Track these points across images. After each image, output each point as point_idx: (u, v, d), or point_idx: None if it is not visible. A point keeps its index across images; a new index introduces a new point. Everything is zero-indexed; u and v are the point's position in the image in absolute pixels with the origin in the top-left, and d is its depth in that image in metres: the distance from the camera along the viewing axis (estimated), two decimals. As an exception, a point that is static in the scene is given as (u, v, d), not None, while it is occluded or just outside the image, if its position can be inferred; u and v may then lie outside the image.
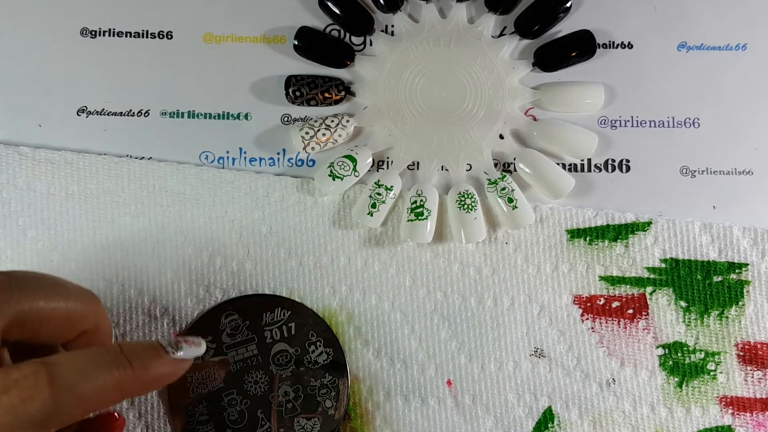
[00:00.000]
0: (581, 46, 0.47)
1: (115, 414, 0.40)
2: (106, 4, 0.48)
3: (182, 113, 0.47)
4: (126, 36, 0.48)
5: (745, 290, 0.45)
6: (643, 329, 0.45)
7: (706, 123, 0.47)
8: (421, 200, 0.45)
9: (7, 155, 0.46)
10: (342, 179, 0.45)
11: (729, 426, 0.45)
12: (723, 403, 0.45)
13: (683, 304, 0.45)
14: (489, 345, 0.45)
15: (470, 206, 0.45)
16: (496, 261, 0.46)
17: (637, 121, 0.47)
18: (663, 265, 0.46)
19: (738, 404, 0.45)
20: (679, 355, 0.45)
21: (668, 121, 0.47)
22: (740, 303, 0.45)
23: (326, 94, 0.46)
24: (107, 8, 0.48)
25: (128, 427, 0.45)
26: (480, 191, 0.46)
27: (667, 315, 0.45)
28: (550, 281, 0.46)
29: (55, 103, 0.47)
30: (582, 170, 0.47)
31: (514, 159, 0.46)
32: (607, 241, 0.46)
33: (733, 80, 0.48)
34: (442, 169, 0.47)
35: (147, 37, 0.48)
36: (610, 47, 0.48)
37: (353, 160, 0.45)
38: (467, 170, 0.47)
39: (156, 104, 0.47)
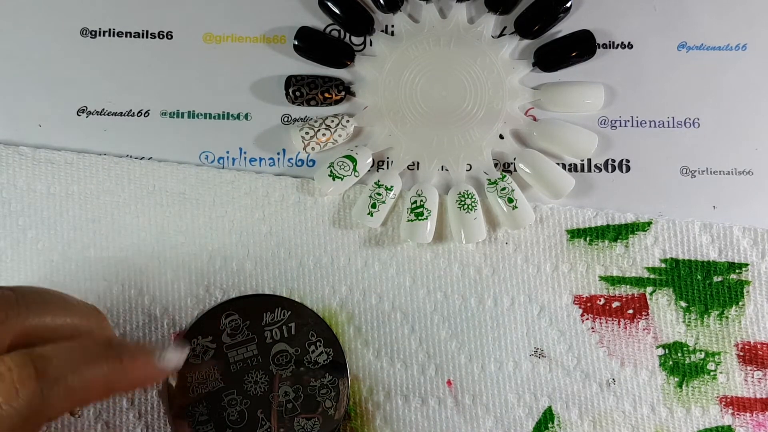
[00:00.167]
0: (581, 46, 0.47)
1: None
2: (106, 4, 0.48)
3: (182, 113, 0.47)
4: (126, 36, 0.48)
5: (745, 290, 0.45)
6: (643, 329, 0.45)
7: (706, 123, 0.47)
8: (421, 200, 0.45)
9: (7, 155, 0.46)
10: (342, 179, 0.45)
11: (729, 426, 0.45)
12: (723, 403, 0.45)
13: (683, 304, 0.45)
14: (489, 345, 0.45)
15: (470, 206, 0.45)
16: (496, 261, 0.46)
17: (637, 121, 0.47)
18: (663, 265, 0.46)
19: (738, 404, 0.45)
20: (679, 355, 0.45)
21: (668, 121, 0.47)
22: (740, 303, 0.45)
23: (326, 94, 0.46)
24: (107, 8, 0.48)
25: (128, 427, 0.45)
26: (480, 191, 0.46)
27: (667, 315, 0.45)
28: (550, 281, 0.46)
29: (55, 103, 0.47)
30: (582, 170, 0.47)
31: (514, 159, 0.46)
32: (607, 241, 0.46)
33: (733, 80, 0.48)
34: (442, 169, 0.47)
35: (147, 37, 0.48)
36: (610, 47, 0.48)
37: (353, 160, 0.45)
38: (467, 170, 0.47)
39: (156, 104, 0.47)
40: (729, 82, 0.47)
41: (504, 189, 0.45)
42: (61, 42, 0.47)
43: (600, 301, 0.45)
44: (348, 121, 0.46)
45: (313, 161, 0.47)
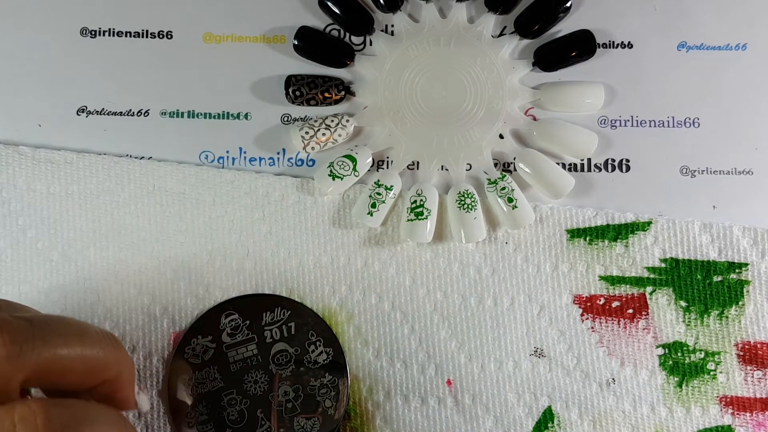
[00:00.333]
0: (581, 46, 0.47)
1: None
2: (106, 4, 0.48)
3: (182, 113, 0.47)
4: (126, 36, 0.48)
5: (745, 290, 0.45)
6: (643, 329, 0.45)
7: (706, 123, 0.47)
8: (421, 200, 0.45)
9: (7, 155, 0.46)
10: (342, 179, 0.45)
11: (729, 426, 0.45)
12: (723, 402, 0.45)
13: (683, 303, 0.45)
14: (489, 345, 0.45)
15: (470, 206, 0.45)
16: (496, 261, 0.46)
17: (637, 120, 0.47)
18: (663, 265, 0.46)
19: (738, 404, 0.45)
20: (679, 354, 0.45)
21: (668, 121, 0.47)
22: (740, 303, 0.45)
23: (326, 94, 0.46)
24: (107, 8, 0.48)
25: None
26: (480, 191, 0.46)
27: (667, 315, 0.45)
28: (550, 281, 0.46)
29: (55, 103, 0.47)
30: (582, 170, 0.47)
31: (514, 159, 0.46)
32: (607, 241, 0.46)
33: (733, 80, 0.47)
34: (442, 169, 0.47)
35: (147, 37, 0.48)
36: (610, 47, 0.48)
37: (353, 159, 0.45)
38: (467, 170, 0.47)
39: (156, 104, 0.47)
40: (729, 82, 0.47)
41: (504, 189, 0.45)
42: (61, 42, 0.47)
43: (600, 300, 0.45)
44: (348, 121, 0.46)
45: (313, 161, 0.47)
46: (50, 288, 0.45)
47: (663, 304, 0.45)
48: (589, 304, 0.45)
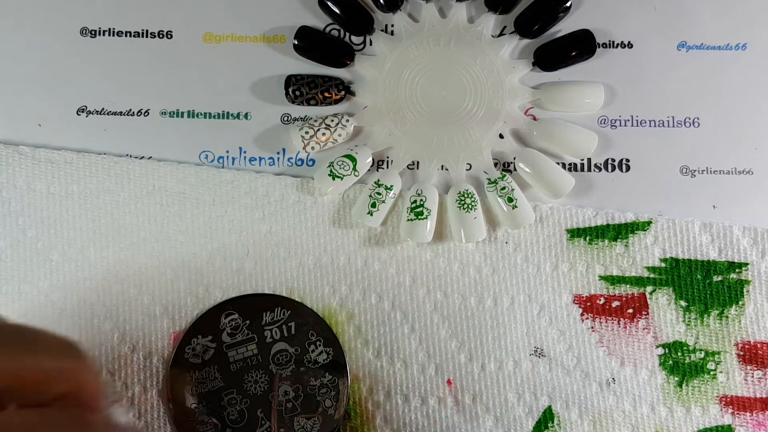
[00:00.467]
0: (581, 46, 0.47)
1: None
2: (106, 3, 0.48)
3: (182, 113, 0.47)
4: (126, 36, 0.48)
5: (745, 290, 0.45)
6: (643, 329, 0.45)
7: (706, 123, 0.47)
8: (421, 200, 0.45)
9: (7, 155, 0.46)
10: (342, 179, 0.45)
11: (729, 425, 0.45)
12: (723, 402, 0.45)
13: (683, 303, 0.45)
14: (489, 344, 0.45)
15: (470, 206, 0.45)
16: (496, 260, 0.46)
17: (637, 120, 0.47)
18: (663, 265, 0.46)
19: (738, 404, 0.45)
20: (679, 354, 0.45)
21: (668, 121, 0.47)
22: (740, 302, 0.45)
23: (326, 94, 0.46)
24: (107, 8, 0.48)
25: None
26: (480, 191, 0.46)
27: (667, 314, 0.45)
28: (549, 281, 0.46)
29: (55, 102, 0.47)
30: (582, 170, 0.47)
31: (514, 158, 0.46)
32: (607, 241, 0.46)
33: (733, 80, 0.48)
34: (442, 169, 0.47)
35: (147, 36, 0.48)
36: (610, 47, 0.48)
37: (353, 159, 0.45)
38: (467, 170, 0.47)
39: (156, 104, 0.47)
40: (729, 82, 0.47)
41: (504, 188, 0.45)
42: (61, 42, 0.47)
43: (600, 300, 0.45)
44: (348, 121, 0.46)
45: (313, 161, 0.47)
46: (50, 288, 0.45)
47: (663, 304, 0.45)
48: (589, 303, 0.45)
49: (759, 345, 0.45)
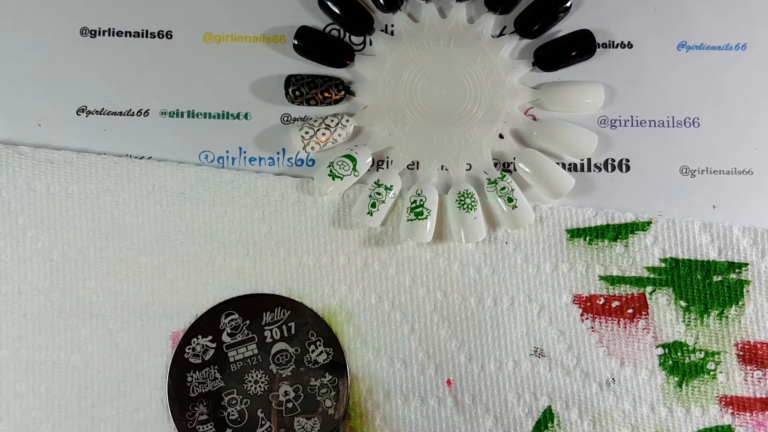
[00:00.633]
0: (581, 46, 0.47)
1: None
2: (106, 3, 0.48)
3: (182, 113, 0.47)
4: (126, 36, 0.48)
5: (744, 290, 0.45)
6: (643, 329, 0.45)
7: (706, 123, 0.47)
8: (421, 200, 0.45)
9: (7, 155, 0.46)
10: (342, 179, 0.45)
11: (729, 426, 0.45)
12: (723, 402, 0.45)
13: (683, 303, 0.45)
14: (489, 344, 0.45)
15: (470, 206, 0.45)
16: (495, 261, 0.46)
17: (637, 120, 0.47)
18: (663, 265, 0.46)
19: (738, 404, 0.45)
20: (679, 354, 0.45)
21: (668, 121, 0.47)
22: (740, 303, 0.45)
23: (326, 94, 0.46)
24: (107, 8, 0.48)
25: (128, 427, 0.45)
26: (480, 191, 0.46)
27: (666, 315, 0.45)
28: (549, 281, 0.46)
29: (55, 103, 0.47)
30: (582, 170, 0.47)
31: (514, 158, 0.46)
32: (606, 241, 0.46)
33: (733, 80, 0.47)
34: (442, 169, 0.47)
35: (147, 36, 0.48)
36: (609, 47, 0.48)
37: (353, 159, 0.45)
38: (467, 170, 0.47)
39: (156, 104, 0.47)
40: (729, 82, 0.47)
41: (504, 188, 0.45)
42: (61, 42, 0.47)
43: (600, 300, 0.45)
44: (348, 121, 0.46)
45: (313, 161, 0.47)
46: (50, 288, 0.45)
47: (663, 304, 0.45)
48: (589, 303, 0.45)
49: (759, 345, 0.45)
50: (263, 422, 0.44)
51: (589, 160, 0.47)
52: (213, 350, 0.45)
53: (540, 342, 0.45)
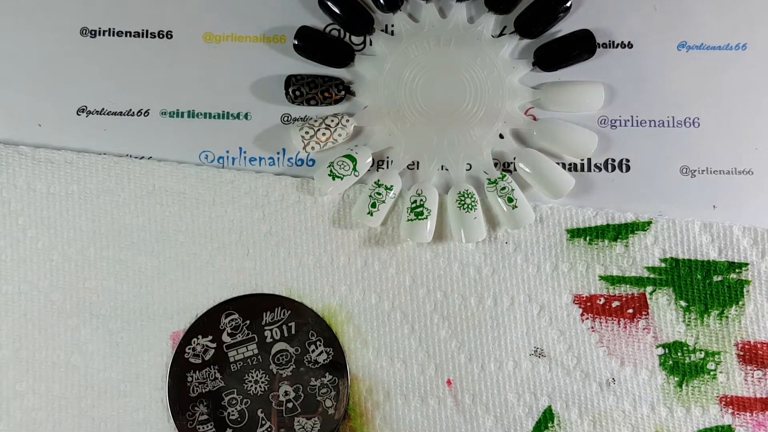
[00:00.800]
0: (581, 46, 0.47)
1: None
2: (106, 3, 0.48)
3: (182, 113, 0.47)
4: (126, 36, 0.48)
5: (745, 290, 0.45)
6: (643, 329, 0.45)
7: (706, 123, 0.47)
8: (421, 200, 0.45)
9: (7, 155, 0.46)
10: (342, 179, 0.45)
11: (729, 426, 0.45)
12: (723, 402, 0.45)
13: (683, 303, 0.45)
14: (489, 344, 0.45)
15: (470, 206, 0.45)
16: (496, 261, 0.46)
17: (637, 120, 0.47)
18: (663, 265, 0.46)
19: (738, 404, 0.45)
20: (679, 354, 0.45)
21: (668, 121, 0.47)
22: (740, 302, 0.45)
23: (326, 94, 0.46)
24: (107, 8, 0.48)
25: (128, 427, 0.45)
26: (480, 191, 0.46)
27: (667, 314, 0.45)
28: (549, 281, 0.46)
29: (55, 102, 0.47)
30: (582, 170, 0.47)
31: (514, 158, 0.46)
32: (607, 241, 0.46)
33: (733, 80, 0.48)
34: (442, 169, 0.47)
35: (147, 36, 0.48)
36: (610, 47, 0.48)
37: (353, 159, 0.45)
38: (467, 170, 0.47)
39: (156, 104, 0.47)
40: (729, 82, 0.47)
41: (504, 188, 0.45)
42: (61, 41, 0.47)
43: (600, 300, 0.45)
44: (348, 121, 0.46)
45: (313, 161, 0.47)
46: (50, 288, 0.45)
47: (663, 304, 0.45)
48: (589, 303, 0.45)
49: (759, 345, 0.45)
50: (263, 422, 0.44)
51: (589, 160, 0.47)
52: (213, 350, 0.45)
53: (540, 342, 0.45)
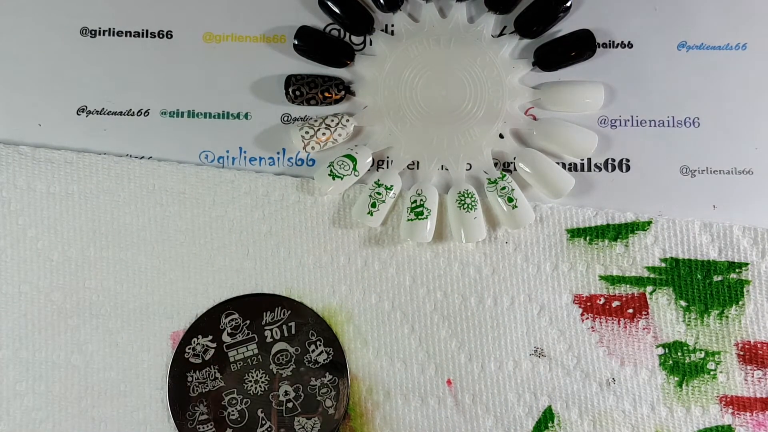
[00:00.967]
0: (581, 46, 0.47)
1: None
2: (106, 3, 0.48)
3: (182, 113, 0.47)
4: (126, 36, 0.48)
5: (745, 290, 0.45)
6: (643, 329, 0.45)
7: (706, 123, 0.47)
8: (421, 200, 0.45)
9: (7, 154, 0.46)
10: (342, 179, 0.45)
11: (729, 425, 0.45)
12: (723, 402, 0.45)
13: (683, 303, 0.45)
14: (489, 344, 0.45)
15: (470, 206, 0.45)
16: (496, 260, 0.46)
17: (637, 120, 0.47)
18: (663, 265, 0.46)
19: (738, 404, 0.45)
20: (679, 354, 0.45)
21: (668, 121, 0.47)
22: (740, 302, 0.45)
23: (326, 94, 0.46)
24: (107, 8, 0.48)
25: (128, 427, 0.45)
26: (480, 191, 0.46)
27: (667, 314, 0.45)
28: (549, 281, 0.46)
29: (55, 102, 0.47)
30: (582, 170, 0.47)
31: (514, 158, 0.46)
32: (607, 241, 0.46)
33: (733, 80, 0.48)
34: (442, 169, 0.47)
35: (147, 36, 0.48)
36: (610, 47, 0.48)
37: (353, 159, 0.45)
38: (467, 170, 0.47)
39: (156, 104, 0.47)
40: (729, 82, 0.47)
41: (504, 188, 0.45)
42: (61, 41, 0.47)
43: (600, 300, 0.45)
44: (348, 121, 0.46)
45: (313, 160, 0.47)
46: (50, 288, 0.45)
47: (663, 304, 0.45)
48: (589, 303, 0.45)
49: (759, 345, 0.45)
50: (263, 422, 0.44)
51: (589, 160, 0.47)
52: (213, 350, 0.45)
53: (540, 342, 0.45)
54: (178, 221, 0.46)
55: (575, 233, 0.46)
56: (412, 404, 0.45)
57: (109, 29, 0.48)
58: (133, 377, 0.45)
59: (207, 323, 0.45)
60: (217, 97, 0.47)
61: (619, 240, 0.46)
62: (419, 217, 0.45)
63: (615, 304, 0.45)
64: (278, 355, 0.45)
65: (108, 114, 0.47)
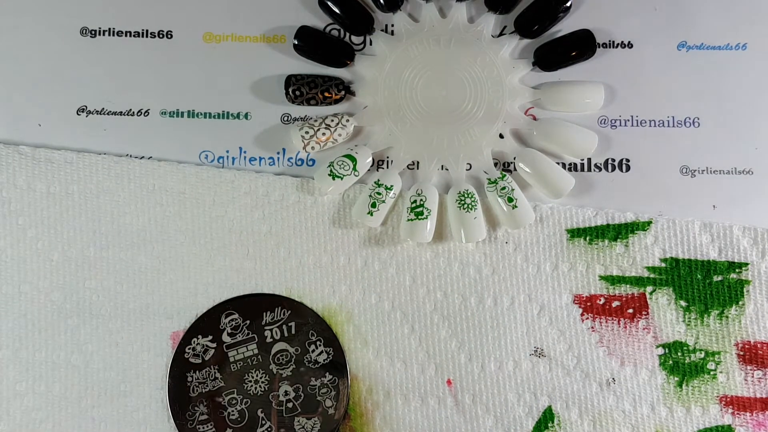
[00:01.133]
0: (581, 46, 0.47)
1: None
2: (106, 3, 0.48)
3: (182, 113, 0.47)
4: (126, 35, 0.48)
5: (745, 290, 0.45)
6: (643, 329, 0.45)
7: (706, 123, 0.47)
8: (421, 200, 0.45)
9: (7, 154, 0.46)
10: (342, 179, 0.45)
11: (729, 425, 0.45)
12: (723, 402, 0.45)
13: (683, 303, 0.45)
14: (489, 344, 0.45)
15: (470, 206, 0.45)
16: (496, 260, 0.46)
17: (637, 120, 0.47)
18: (663, 265, 0.46)
19: (738, 404, 0.45)
20: (679, 354, 0.45)
21: (668, 121, 0.47)
22: (740, 302, 0.45)
23: (326, 94, 0.46)
24: (107, 8, 0.48)
25: (128, 427, 0.45)
26: (480, 191, 0.46)
27: (667, 314, 0.45)
28: (549, 281, 0.46)
29: (55, 102, 0.47)
30: (582, 170, 0.47)
31: (514, 158, 0.46)
32: (607, 241, 0.46)
33: (733, 80, 0.48)
34: (442, 169, 0.47)
35: (147, 36, 0.48)
36: (610, 47, 0.48)
37: (353, 159, 0.45)
38: (467, 170, 0.47)
39: (156, 104, 0.47)
40: (729, 82, 0.47)
41: (504, 188, 0.45)
42: (61, 41, 0.47)
43: (600, 300, 0.45)
44: (348, 121, 0.46)
45: (313, 160, 0.47)
46: (50, 288, 0.45)
47: (663, 304, 0.45)
48: (589, 303, 0.45)
49: (759, 345, 0.45)
50: (263, 422, 0.44)
51: (589, 160, 0.47)
52: (213, 350, 0.45)
53: (540, 342, 0.45)
54: (178, 221, 0.46)
55: (575, 233, 0.46)
56: (412, 404, 0.45)
57: (109, 29, 0.48)
58: (133, 377, 0.45)
59: (207, 323, 0.45)
60: (217, 97, 0.47)
61: (619, 240, 0.46)
62: (419, 217, 0.45)
63: (615, 304, 0.45)
64: (278, 355, 0.45)
65: (108, 114, 0.47)
